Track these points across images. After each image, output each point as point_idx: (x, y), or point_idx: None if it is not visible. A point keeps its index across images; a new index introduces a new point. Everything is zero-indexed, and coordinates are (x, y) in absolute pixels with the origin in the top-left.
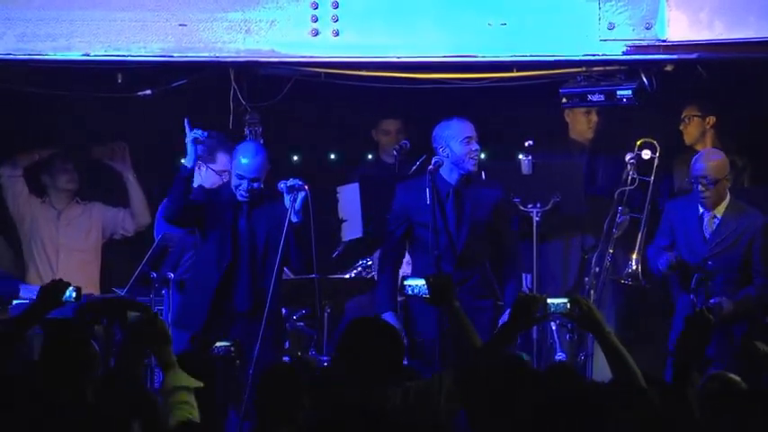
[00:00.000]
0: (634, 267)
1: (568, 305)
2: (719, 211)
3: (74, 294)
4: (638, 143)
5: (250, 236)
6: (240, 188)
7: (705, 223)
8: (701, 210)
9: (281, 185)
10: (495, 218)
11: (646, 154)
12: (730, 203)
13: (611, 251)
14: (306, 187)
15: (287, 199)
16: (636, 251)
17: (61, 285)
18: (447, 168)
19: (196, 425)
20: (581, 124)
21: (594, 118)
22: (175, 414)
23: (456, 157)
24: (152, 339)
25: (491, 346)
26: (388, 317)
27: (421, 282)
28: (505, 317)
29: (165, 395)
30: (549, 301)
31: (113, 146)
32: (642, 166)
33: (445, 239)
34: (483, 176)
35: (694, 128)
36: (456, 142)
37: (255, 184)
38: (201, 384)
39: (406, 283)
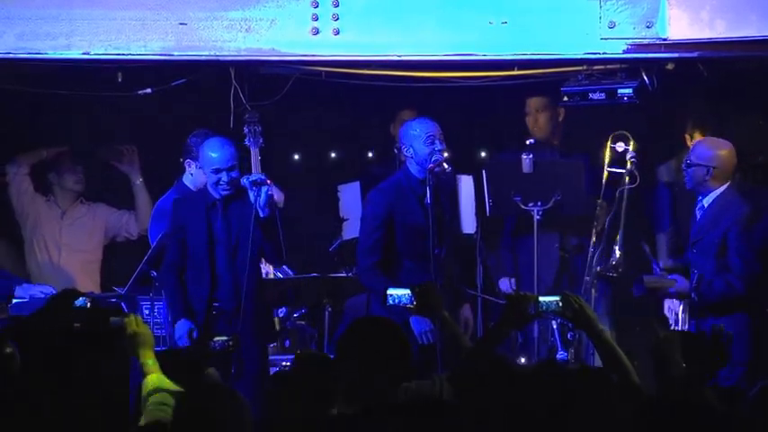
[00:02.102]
0: (618, 257)
1: (560, 303)
2: (708, 200)
3: (87, 304)
4: (611, 137)
5: (227, 234)
6: (221, 182)
7: (698, 211)
8: (699, 196)
9: (244, 181)
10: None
11: (620, 146)
12: (723, 193)
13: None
14: (268, 182)
15: (251, 194)
16: (617, 243)
17: (69, 295)
18: (414, 168)
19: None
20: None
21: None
22: (149, 413)
23: (419, 157)
24: (135, 343)
25: (483, 346)
26: (418, 320)
27: (404, 291)
28: None
29: (144, 394)
30: (541, 299)
31: (123, 148)
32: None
33: (438, 239)
34: (484, 175)
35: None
36: (419, 142)
37: (234, 173)
38: (181, 390)
39: (388, 293)
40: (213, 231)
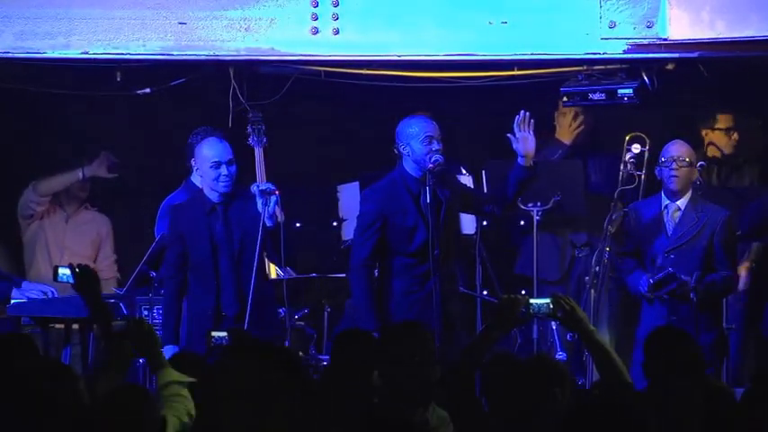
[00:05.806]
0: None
1: (551, 305)
2: (682, 203)
3: (67, 271)
4: (627, 138)
5: (228, 238)
6: (221, 176)
7: (668, 216)
8: (665, 202)
9: (254, 188)
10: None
11: (636, 148)
12: (692, 197)
13: (607, 249)
14: (277, 192)
15: (259, 203)
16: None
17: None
18: (411, 167)
19: None
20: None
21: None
22: (171, 407)
23: (416, 156)
24: (141, 342)
25: (474, 348)
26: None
27: None
28: None
29: (160, 390)
30: (532, 301)
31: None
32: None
33: (431, 238)
34: (483, 175)
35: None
36: (417, 141)
37: (232, 167)
38: (194, 380)
39: None
40: (214, 237)
